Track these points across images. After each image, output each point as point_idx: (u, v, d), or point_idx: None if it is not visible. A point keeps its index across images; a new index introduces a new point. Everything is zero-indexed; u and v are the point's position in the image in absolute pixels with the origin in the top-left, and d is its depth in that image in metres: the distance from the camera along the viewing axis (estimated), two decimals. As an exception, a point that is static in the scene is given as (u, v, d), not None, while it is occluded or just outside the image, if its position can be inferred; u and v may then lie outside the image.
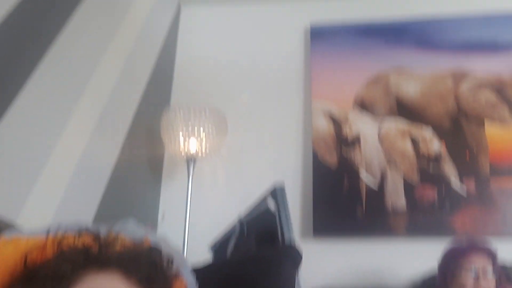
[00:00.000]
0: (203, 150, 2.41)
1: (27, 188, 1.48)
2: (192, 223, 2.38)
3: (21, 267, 0.84)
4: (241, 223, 1.48)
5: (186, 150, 2.39)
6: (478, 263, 1.82)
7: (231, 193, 2.68)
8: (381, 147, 2.61)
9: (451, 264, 1.88)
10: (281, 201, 1.27)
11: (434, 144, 2.56)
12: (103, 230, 0.94)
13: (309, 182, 2.63)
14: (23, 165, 1.50)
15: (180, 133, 2.38)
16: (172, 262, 0.91)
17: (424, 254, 2.08)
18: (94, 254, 0.84)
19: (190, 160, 2.43)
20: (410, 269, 2.29)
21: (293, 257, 0.99)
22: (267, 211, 1.27)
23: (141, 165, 2.56)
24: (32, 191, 1.49)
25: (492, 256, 1.85)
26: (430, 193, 2.49)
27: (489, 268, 1.81)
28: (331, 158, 2.63)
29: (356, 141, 2.64)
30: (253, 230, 1.40)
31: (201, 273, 1.04)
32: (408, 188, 2.52)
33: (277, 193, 1.30)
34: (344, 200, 2.56)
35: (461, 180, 2.49)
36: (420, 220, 2.47)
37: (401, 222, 2.48)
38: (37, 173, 1.53)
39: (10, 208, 1.40)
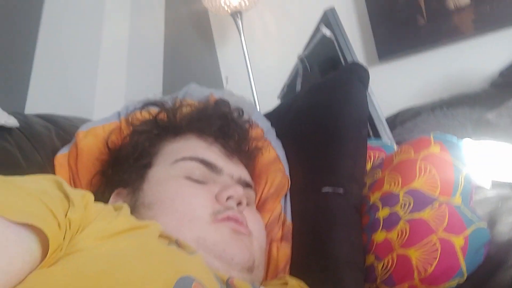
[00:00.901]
0: (246, 1, 2.32)
1: (91, 84, 1.50)
2: (256, 79, 2.37)
3: (105, 152, 0.88)
4: (301, 60, 1.44)
5: (229, 4, 2.30)
6: None
7: (286, 37, 2.62)
8: None
9: None
10: (334, 24, 1.19)
11: None
12: (168, 99, 0.95)
13: (362, 5, 2.50)
14: (79, 63, 1.50)
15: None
16: (242, 111, 0.90)
17: (497, 48, 1.96)
18: (164, 121, 0.86)
19: (236, 14, 2.35)
20: (484, 67, 2.17)
21: (358, 73, 0.94)
22: (323, 38, 1.21)
23: (189, 32, 2.53)
24: (96, 84, 1.51)
25: None
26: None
27: None
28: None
29: None
30: (315, 63, 1.36)
31: (273, 117, 1.03)
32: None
33: (328, 17, 1.22)
34: (402, 11, 2.42)
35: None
36: (488, 12, 2.27)
37: (467, 19, 2.32)
38: (95, 66, 1.53)
39: (83, 108, 1.44)
